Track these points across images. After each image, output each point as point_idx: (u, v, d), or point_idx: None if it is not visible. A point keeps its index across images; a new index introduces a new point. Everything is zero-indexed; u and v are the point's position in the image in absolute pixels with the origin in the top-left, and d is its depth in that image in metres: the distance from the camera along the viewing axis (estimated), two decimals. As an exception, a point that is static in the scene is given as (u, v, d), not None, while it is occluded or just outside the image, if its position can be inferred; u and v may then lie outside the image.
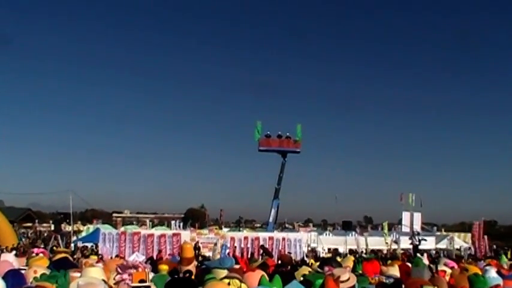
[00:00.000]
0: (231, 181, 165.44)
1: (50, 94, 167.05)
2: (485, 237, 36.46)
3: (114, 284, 5.72)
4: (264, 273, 6.25)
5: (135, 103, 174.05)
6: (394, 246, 35.67)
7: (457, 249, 36.20)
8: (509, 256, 24.72)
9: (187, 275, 6.76)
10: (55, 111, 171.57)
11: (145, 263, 9.01)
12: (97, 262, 9.23)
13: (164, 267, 8.32)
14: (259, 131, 49.14)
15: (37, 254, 10.26)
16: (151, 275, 7.08)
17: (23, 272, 6.39)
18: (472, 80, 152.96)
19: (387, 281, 6.98)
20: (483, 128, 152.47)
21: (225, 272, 6.50)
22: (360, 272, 8.52)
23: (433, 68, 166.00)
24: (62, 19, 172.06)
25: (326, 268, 7.63)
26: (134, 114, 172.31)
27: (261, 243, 28.79)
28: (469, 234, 39.59)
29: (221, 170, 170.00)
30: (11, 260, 8.03)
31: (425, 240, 33.49)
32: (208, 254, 26.02)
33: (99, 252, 24.53)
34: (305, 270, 7.76)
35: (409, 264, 10.29)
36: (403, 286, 5.99)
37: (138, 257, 12.64)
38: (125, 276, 5.99)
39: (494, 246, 40.52)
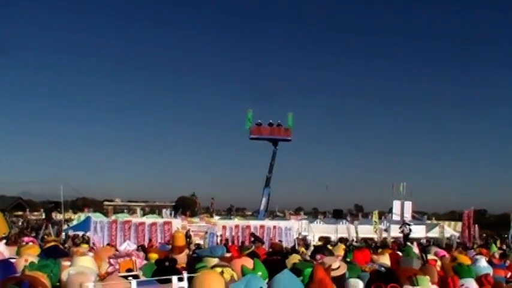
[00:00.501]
0: (222, 170, 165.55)
1: (40, 84, 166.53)
2: (476, 226, 36.58)
3: (108, 274, 5.70)
4: (249, 260, 6.26)
5: (125, 93, 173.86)
6: (385, 235, 35.82)
7: (447, 238, 36.36)
8: (498, 245, 24.83)
9: (171, 263, 6.74)
10: (45, 101, 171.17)
11: (137, 251, 9.01)
12: (88, 251, 9.22)
13: (154, 256, 8.33)
14: (250, 119, 49.12)
15: (27, 243, 10.26)
16: (144, 262, 7.08)
17: (13, 260, 6.37)
18: (462, 72, 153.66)
19: (381, 269, 6.99)
20: (473, 119, 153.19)
21: (216, 261, 6.50)
22: (351, 260, 8.54)
23: (425, 60, 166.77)
24: (61, 11, 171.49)
25: (318, 256, 7.64)
26: (124, 103, 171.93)
27: (252, 231, 28.81)
28: (459, 223, 39.72)
29: (212, 159, 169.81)
30: (2, 249, 8.01)
31: (411, 230, 33.55)
32: (199, 242, 26.00)
33: (91, 240, 24.49)
34: (295, 258, 7.77)
35: (400, 253, 10.32)
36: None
37: (130, 246, 12.60)
38: (118, 266, 5.98)
39: (484, 235, 40.72)
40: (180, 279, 3.17)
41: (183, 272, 4.96)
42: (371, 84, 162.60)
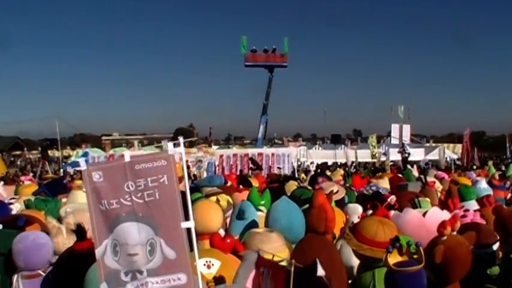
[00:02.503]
0: (218, 99, 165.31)
1: (32, 24, 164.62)
2: (475, 148, 36.38)
3: None
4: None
5: (118, 27, 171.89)
6: (383, 159, 35.83)
7: (446, 160, 36.33)
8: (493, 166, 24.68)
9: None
10: (38, 40, 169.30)
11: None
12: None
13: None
14: (245, 46, 48.44)
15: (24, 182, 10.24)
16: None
17: (13, 201, 6.37)
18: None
19: (382, 191, 6.96)
20: (471, 42, 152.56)
21: (214, 190, 6.46)
22: (349, 185, 8.54)
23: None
24: None
25: (320, 179, 7.63)
26: (118, 38, 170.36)
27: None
28: (458, 145, 39.66)
29: (208, 88, 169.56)
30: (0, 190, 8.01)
31: (410, 154, 33.23)
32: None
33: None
34: (292, 185, 7.76)
35: (400, 176, 10.33)
36: (395, 198, 5.93)
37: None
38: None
39: (482, 156, 40.62)
40: (177, 145, 2.96)
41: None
42: (370, 8, 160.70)
